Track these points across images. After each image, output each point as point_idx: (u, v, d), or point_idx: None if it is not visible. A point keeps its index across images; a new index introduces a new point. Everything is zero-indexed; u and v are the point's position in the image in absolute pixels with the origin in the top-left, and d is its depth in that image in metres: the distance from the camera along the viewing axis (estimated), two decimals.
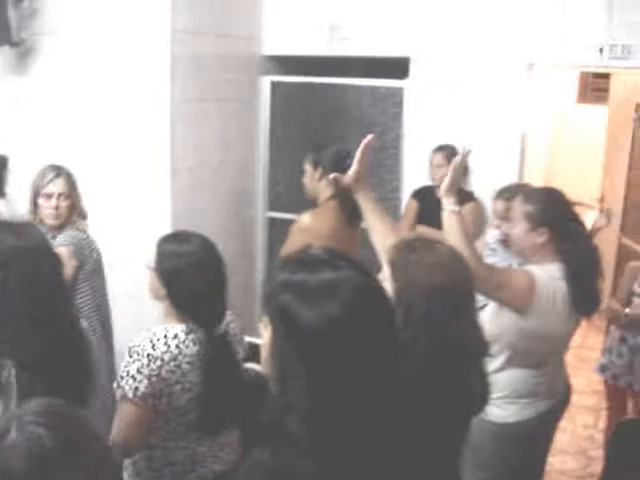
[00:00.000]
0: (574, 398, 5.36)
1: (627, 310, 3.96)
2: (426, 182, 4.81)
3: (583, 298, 2.75)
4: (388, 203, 5.12)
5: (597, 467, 3.80)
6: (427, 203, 4.72)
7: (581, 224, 2.85)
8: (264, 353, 1.48)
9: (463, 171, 4.64)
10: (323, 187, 3.76)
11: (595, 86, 8.16)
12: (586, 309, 2.82)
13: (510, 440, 2.79)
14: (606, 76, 7.24)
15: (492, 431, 2.74)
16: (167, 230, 3.38)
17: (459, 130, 4.91)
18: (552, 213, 2.76)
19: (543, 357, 2.82)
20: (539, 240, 2.75)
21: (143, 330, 2.46)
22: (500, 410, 2.75)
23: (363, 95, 5.23)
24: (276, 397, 1.44)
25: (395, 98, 5.13)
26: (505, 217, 3.41)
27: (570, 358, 6.14)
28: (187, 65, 4.48)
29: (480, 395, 1.97)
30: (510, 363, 2.76)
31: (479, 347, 1.95)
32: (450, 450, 1.96)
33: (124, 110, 4.44)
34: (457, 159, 2.59)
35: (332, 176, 2.69)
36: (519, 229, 2.80)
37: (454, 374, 1.83)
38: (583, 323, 6.56)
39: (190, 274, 2.44)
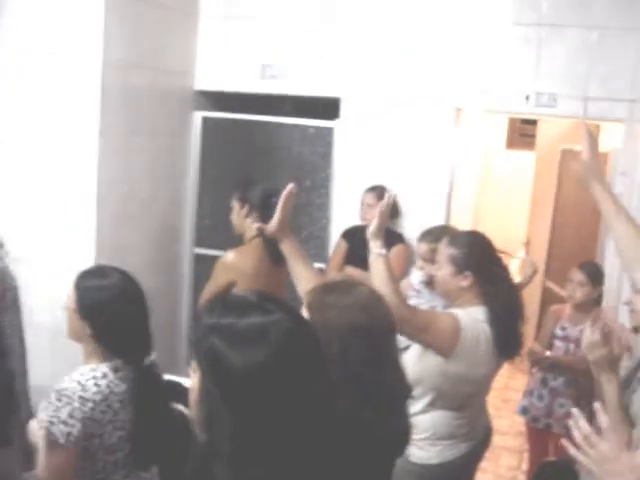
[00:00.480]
0: (498, 439, 5.46)
1: (548, 353, 4.02)
2: (355, 222, 4.84)
3: (506, 341, 2.77)
4: (317, 242, 5.14)
5: None
6: (356, 243, 4.73)
7: (504, 268, 2.88)
8: (192, 397, 1.45)
9: (392, 213, 4.72)
10: (249, 225, 3.73)
11: (523, 132, 8.36)
12: (508, 352, 2.84)
13: None
14: (534, 122, 7.43)
15: (414, 473, 2.73)
16: (90, 265, 3.32)
17: (388, 171, 4.97)
18: (476, 257, 2.79)
19: (465, 399, 2.83)
20: (464, 283, 2.77)
21: (62, 369, 2.39)
22: (422, 452, 2.75)
23: (293, 134, 5.24)
24: (201, 443, 1.40)
25: (325, 138, 5.16)
26: (429, 259, 3.44)
27: (494, 399, 6.28)
28: (118, 97, 4.43)
29: (402, 437, 1.96)
30: (433, 405, 2.77)
31: (401, 388, 1.94)
32: None
33: (51, 140, 4.35)
34: (383, 203, 2.61)
35: (256, 226, 2.69)
36: (444, 272, 2.82)
37: (375, 415, 1.80)
38: (508, 365, 6.68)
39: (113, 307, 2.39)
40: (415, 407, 2.68)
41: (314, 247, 5.13)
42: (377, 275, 2.56)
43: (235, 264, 3.62)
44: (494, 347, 2.74)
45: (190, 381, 1.45)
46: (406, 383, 1.98)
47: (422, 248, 3.62)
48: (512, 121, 8.27)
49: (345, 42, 5.04)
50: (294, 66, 5.15)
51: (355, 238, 4.74)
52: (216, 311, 1.41)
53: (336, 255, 4.86)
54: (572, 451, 1.57)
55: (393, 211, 4.80)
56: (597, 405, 1.60)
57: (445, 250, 2.83)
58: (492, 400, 6.19)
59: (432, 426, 2.77)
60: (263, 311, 1.38)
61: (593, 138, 2.32)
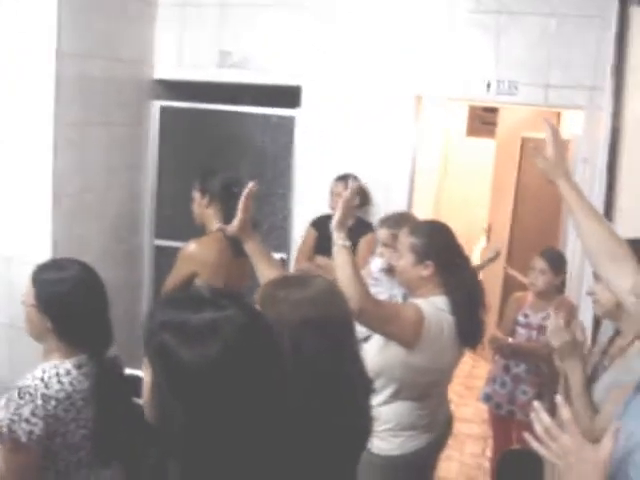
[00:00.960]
0: (462, 427, 5.50)
1: (510, 340, 4.03)
2: (318, 211, 4.82)
3: (468, 330, 2.76)
4: (279, 232, 5.10)
5: None
6: (326, 232, 4.68)
7: (465, 258, 2.87)
8: (145, 394, 1.42)
9: (362, 202, 4.71)
10: (210, 214, 3.68)
11: (484, 119, 8.38)
12: (471, 341, 2.83)
13: (395, 473, 2.78)
14: (495, 110, 7.44)
15: (376, 464, 2.71)
16: (47, 258, 3.25)
17: (350, 160, 4.95)
18: (437, 246, 2.76)
19: (427, 390, 2.81)
20: (424, 273, 2.74)
21: (21, 365, 2.33)
22: (384, 443, 2.73)
23: (254, 123, 5.19)
24: (157, 440, 1.38)
25: (286, 127, 5.12)
26: (388, 244, 3.41)
27: (458, 387, 6.31)
28: (73, 87, 4.34)
29: (363, 430, 1.93)
30: (395, 396, 2.74)
31: (361, 381, 1.91)
32: None
33: (5, 131, 4.26)
34: (346, 193, 2.58)
35: (217, 227, 2.66)
36: (405, 261, 2.79)
37: (332, 409, 1.77)
38: (471, 353, 6.72)
39: (73, 299, 2.34)
40: (377, 399, 2.65)
41: (276, 238, 5.10)
42: (341, 267, 2.54)
43: (197, 255, 3.57)
44: (456, 336, 2.73)
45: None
46: (366, 375, 1.96)
47: (382, 234, 3.58)
48: (473, 109, 8.28)
49: (305, 30, 5.00)
50: (254, 54, 5.10)
51: (324, 227, 4.69)
52: (168, 307, 1.38)
53: (305, 244, 4.83)
54: (534, 444, 1.54)
55: (363, 199, 4.81)
56: (558, 398, 1.58)
57: (406, 239, 2.80)
58: (456, 388, 6.26)
59: (394, 417, 2.75)
60: (216, 307, 1.35)
61: (556, 133, 2.30)
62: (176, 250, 3.77)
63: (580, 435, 1.51)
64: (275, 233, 5.12)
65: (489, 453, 4.87)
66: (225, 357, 1.30)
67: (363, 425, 1.93)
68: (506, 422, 4.23)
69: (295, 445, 1.44)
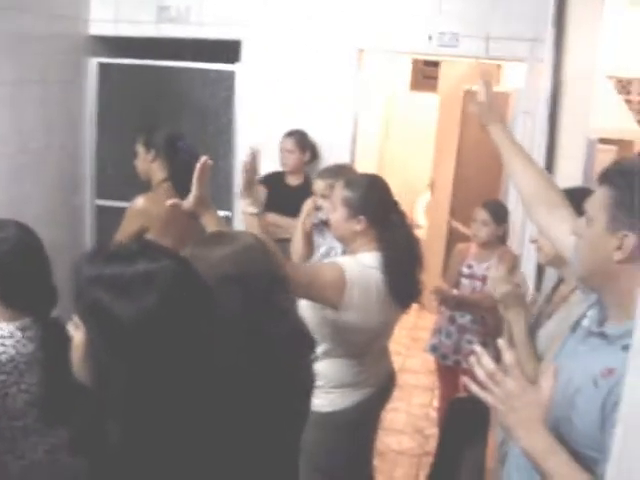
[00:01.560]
0: (409, 378, 5.57)
1: (455, 291, 4.07)
2: (264, 167, 4.74)
3: (400, 288, 2.71)
4: (221, 190, 5.03)
5: (434, 445, 3.89)
6: (277, 189, 4.67)
7: (401, 214, 2.81)
8: (75, 356, 1.39)
9: (312, 157, 4.70)
10: (156, 169, 3.63)
11: (426, 74, 8.37)
12: (403, 299, 2.78)
13: (332, 429, 2.74)
14: (437, 64, 7.44)
15: (314, 420, 2.70)
16: None
17: (292, 115, 4.90)
18: (371, 201, 2.71)
19: (362, 347, 2.78)
20: (357, 227, 2.69)
21: None
22: (319, 400, 2.68)
23: (194, 79, 5.09)
24: (94, 401, 1.37)
25: (226, 82, 5.04)
26: (326, 196, 3.38)
27: (404, 339, 6.38)
28: (5, 44, 4.20)
29: (303, 387, 1.93)
30: (328, 354, 2.70)
31: (296, 337, 1.90)
32: (287, 448, 1.92)
33: None
34: (247, 161, 2.53)
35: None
36: (338, 215, 2.73)
37: (267, 367, 1.75)
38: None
39: (12, 260, 2.27)
40: None
41: (218, 195, 5.03)
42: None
43: (147, 209, 3.53)
44: (388, 294, 2.68)
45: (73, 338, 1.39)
46: (304, 332, 1.94)
47: (319, 185, 3.55)
48: (415, 63, 8.26)
49: None
50: (192, 8, 4.99)
51: (275, 184, 4.69)
52: (97, 262, 1.35)
53: None
54: (474, 389, 1.53)
55: (312, 155, 4.79)
56: (501, 342, 1.58)
57: (340, 192, 2.73)
58: (402, 340, 6.33)
59: (326, 375, 2.69)
60: (149, 258, 1.33)
61: (489, 79, 2.29)
62: (118, 210, 3.72)
63: (523, 379, 1.52)
64: (217, 191, 5.05)
65: (436, 403, 4.93)
66: (162, 308, 1.29)
67: (301, 383, 1.92)
68: (452, 372, 4.28)
69: (232, 402, 1.46)
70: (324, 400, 2.70)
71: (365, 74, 5.16)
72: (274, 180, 4.73)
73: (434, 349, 4.33)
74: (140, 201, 3.58)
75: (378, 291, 2.66)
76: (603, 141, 4.21)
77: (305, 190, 4.31)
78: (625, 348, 1.52)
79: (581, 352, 1.69)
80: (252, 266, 1.82)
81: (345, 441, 2.80)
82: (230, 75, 5.04)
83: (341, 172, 3.34)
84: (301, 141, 4.74)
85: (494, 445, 2.79)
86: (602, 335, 1.63)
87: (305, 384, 1.94)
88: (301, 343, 1.91)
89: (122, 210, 3.69)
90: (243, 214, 2.53)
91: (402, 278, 2.70)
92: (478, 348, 1.56)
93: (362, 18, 4.79)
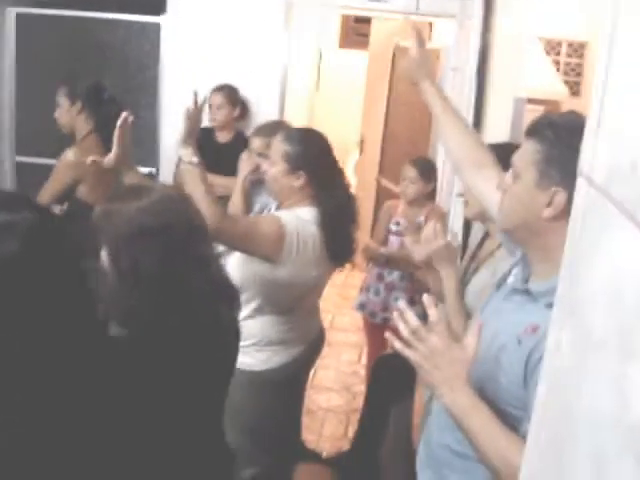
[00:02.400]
0: (338, 335, 5.58)
1: (383, 249, 4.06)
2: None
3: (337, 246, 2.69)
4: (146, 145, 4.90)
5: (361, 401, 3.90)
6: (205, 146, 4.56)
7: (340, 171, 2.78)
8: None
9: (242, 113, 4.61)
10: (82, 121, 3.53)
11: (357, 31, 8.31)
12: (339, 257, 2.76)
13: (263, 387, 2.72)
14: (367, 21, 7.36)
15: (241, 380, 2.66)
16: None
17: (219, 70, 4.80)
18: (312, 156, 2.65)
19: (293, 303, 2.75)
20: (296, 183, 2.63)
21: None
22: (248, 358, 2.64)
23: (117, 31, 4.93)
24: None
25: (151, 34, 4.89)
26: (263, 154, 3.32)
27: (334, 297, 6.38)
28: None
29: (228, 342, 1.88)
30: (260, 311, 2.67)
31: (221, 290, 1.84)
32: (211, 406, 1.89)
33: None
34: (190, 107, 2.46)
35: (90, 159, 2.52)
36: (276, 169, 2.66)
37: (191, 321, 1.70)
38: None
39: None
40: (241, 313, 2.60)
41: (143, 151, 4.90)
42: (191, 186, 2.40)
43: (78, 161, 3.41)
44: (324, 250, 2.66)
45: None
46: (228, 285, 1.89)
47: (255, 143, 3.48)
48: (345, 20, 8.18)
49: None
50: None
51: (204, 140, 4.57)
52: None
53: None
54: (397, 345, 1.50)
55: (243, 111, 4.69)
56: (426, 297, 1.55)
57: (279, 146, 2.66)
58: (332, 298, 6.32)
59: (258, 332, 2.67)
60: (9, 209, 1.36)
61: (420, 35, 2.25)
62: (39, 167, 3.61)
63: (448, 335, 1.50)
64: (141, 146, 4.91)
65: (364, 361, 4.95)
66: (21, 255, 1.31)
67: (224, 337, 1.87)
68: (380, 329, 4.25)
69: (145, 357, 1.49)
70: (254, 359, 2.68)
71: (294, 29, 5.07)
72: (202, 137, 4.59)
73: (362, 307, 4.33)
74: (70, 154, 3.49)
75: (314, 246, 2.62)
76: (531, 101, 4.24)
77: (235, 147, 4.24)
78: (549, 305, 1.47)
79: (505, 309, 1.68)
80: (170, 217, 1.74)
81: (275, 400, 2.78)
82: (155, 27, 4.89)
83: (278, 128, 3.26)
84: (231, 96, 4.64)
85: (421, 401, 2.80)
86: (526, 292, 1.62)
87: (229, 338, 1.89)
88: (223, 294, 1.86)
89: (43, 167, 3.58)
90: (182, 165, 2.46)
91: (338, 235, 2.68)
92: (402, 304, 1.53)
93: None
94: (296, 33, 5.23)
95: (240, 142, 4.35)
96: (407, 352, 1.49)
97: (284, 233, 2.53)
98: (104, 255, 1.72)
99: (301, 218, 2.61)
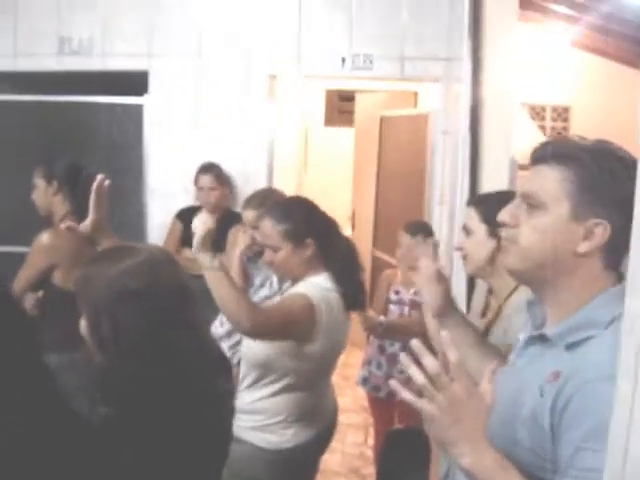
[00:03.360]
0: (342, 417, 5.29)
1: (382, 318, 3.87)
2: (179, 203, 4.62)
3: (352, 295, 2.58)
4: (133, 228, 4.78)
5: None
6: (191, 224, 4.46)
7: (334, 223, 2.67)
8: None
9: (230, 189, 4.51)
10: (59, 202, 3.40)
11: (341, 108, 8.35)
12: (356, 304, 2.65)
13: (286, 467, 2.55)
14: (351, 98, 7.38)
15: (267, 459, 2.49)
16: None
17: (204, 147, 4.71)
18: (310, 220, 2.57)
19: (318, 377, 2.63)
20: (307, 253, 2.53)
21: None
22: (275, 436, 2.50)
23: (99, 114, 4.84)
24: None
25: (134, 115, 4.81)
26: (256, 226, 3.17)
27: (335, 377, 6.08)
28: None
29: (222, 411, 1.70)
30: (286, 388, 2.53)
31: (209, 356, 1.68)
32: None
33: None
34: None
35: (65, 225, 2.45)
36: (284, 252, 2.53)
37: (183, 392, 1.55)
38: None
39: None
40: (265, 390, 2.49)
41: (130, 234, 4.75)
42: (214, 289, 2.25)
43: (54, 245, 3.32)
44: (344, 309, 2.56)
45: None
46: (217, 351, 1.75)
47: (249, 215, 3.35)
48: (330, 97, 8.22)
49: (148, 8, 4.71)
50: (96, 39, 4.77)
51: (190, 219, 4.49)
52: None
53: (171, 237, 4.57)
54: (407, 397, 1.26)
55: (229, 187, 4.66)
56: (444, 334, 1.31)
57: (274, 230, 2.54)
58: (332, 378, 6.10)
59: (285, 408, 2.53)
60: None
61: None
62: (13, 255, 3.46)
63: (469, 381, 1.28)
64: (128, 230, 4.79)
65: (371, 441, 4.73)
66: None
67: (222, 410, 1.72)
68: (386, 405, 4.10)
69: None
70: (280, 436, 2.53)
71: (280, 106, 5.02)
72: (189, 215, 4.52)
73: (365, 381, 4.14)
74: (45, 236, 3.35)
75: (338, 309, 2.52)
76: (521, 167, 4.16)
77: (221, 222, 4.12)
78: (569, 347, 1.37)
79: (520, 365, 1.51)
80: (156, 278, 1.60)
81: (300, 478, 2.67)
82: (138, 108, 4.81)
83: (268, 197, 3.15)
84: (220, 176, 4.55)
85: (437, 478, 2.59)
86: (542, 338, 1.45)
87: (224, 411, 1.72)
88: (217, 365, 1.71)
89: (14, 256, 3.43)
90: (205, 270, 2.28)
91: (352, 284, 2.58)
92: (416, 343, 1.28)
93: (272, 43, 4.66)
94: (281, 111, 5.18)
95: (226, 219, 4.26)
96: (421, 404, 1.26)
97: (314, 309, 2.42)
98: (83, 324, 1.58)
99: (322, 286, 2.51)
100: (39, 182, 3.47)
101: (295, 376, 2.52)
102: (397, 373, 3.96)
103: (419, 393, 1.26)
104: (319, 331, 2.43)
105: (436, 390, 1.25)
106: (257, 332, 2.28)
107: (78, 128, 4.85)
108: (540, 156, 1.46)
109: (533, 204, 1.43)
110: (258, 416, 2.48)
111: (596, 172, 1.36)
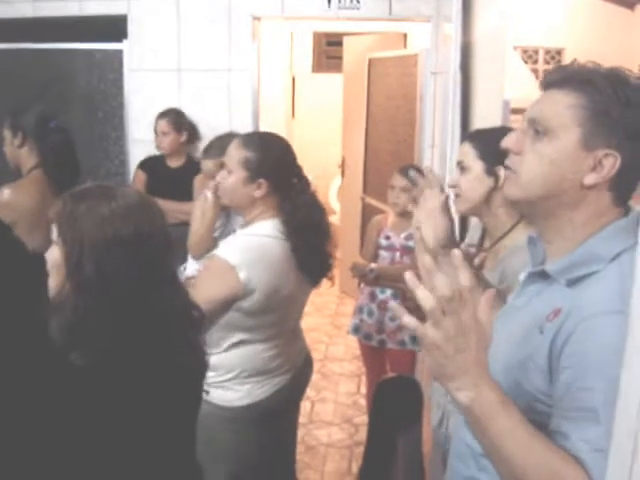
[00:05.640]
0: (334, 366, 5.32)
1: (373, 265, 3.77)
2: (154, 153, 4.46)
3: (308, 260, 2.44)
4: (116, 178, 4.68)
5: (364, 433, 3.63)
6: (156, 174, 4.36)
7: (304, 178, 2.51)
8: None
9: (190, 138, 4.39)
10: (26, 155, 3.22)
11: (329, 54, 8.21)
12: (312, 272, 2.50)
13: (247, 423, 2.44)
14: (340, 43, 7.22)
15: (225, 417, 2.39)
16: None
17: (185, 94, 4.58)
18: (274, 162, 2.41)
19: (273, 328, 2.48)
20: (257, 193, 2.38)
21: None
22: (231, 393, 2.40)
23: (77, 61, 4.69)
24: None
25: (113, 62, 4.66)
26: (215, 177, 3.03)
27: (326, 326, 6.13)
28: None
29: (196, 368, 1.63)
30: (240, 343, 2.41)
31: (186, 310, 1.60)
32: (181, 438, 1.62)
33: None
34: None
35: None
36: (235, 178, 2.40)
37: (156, 340, 1.48)
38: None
39: None
40: (218, 347, 2.37)
41: (112, 180, 4.66)
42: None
43: (13, 202, 3.12)
44: (295, 265, 2.41)
45: None
46: (192, 305, 1.66)
47: (207, 165, 3.20)
48: (317, 43, 8.07)
49: None
50: None
51: (153, 168, 4.39)
52: None
53: (136, 187, 4.42)
54: (408, 320, 1.13)
55: (191, 136, 4.49)
56: (455, 252, 1.17)
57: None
58: (324, 327, 6.12)
59: (238, 364, 2.41)
60: None
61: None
62: None
63: (476, 308, 1.15)
64: (112, 180, 4.67)
65: (364, 390, 4.68)
66: None
67: (194, 363, 1.65)
68: (378, 353, 4.02)
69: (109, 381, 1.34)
70: (236, 393, 2.42)
71: (265, 50, 4.88)
72: (154, 164, 4.46)
73: (356, 330, 4.06)
74: (6, 193, 3.15)
75: (280, 261, 2.37)
76: (513, 111, 4.05)
77: (187, 171, 4.17)
78: (570, 283, 1.29)
79: (520, 304, 1.44)
80: (143, 225, 1.51)
81: (264, 437, 2.50)
82: (117, 54, 4.67)
83: (229, 144, 2.98)
84: (176, 121, 4.42)
85: (429, 427, 2.52)
86: (543, 275, 1.37)
87: (197, 363, 1.65)
88: (190, 316, 1.63)
89: None
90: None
91: (308, 247, 2.41)
92: (428, 260, 1.17)
93: None
94: (267, 55, 5.03)
95: (191, 166, 4.22)
96: (425, 330, 1.13)
97: (230, 267, 2.28)
98: (55, 257, 1.49)
99: (255, 235, 2.39)
100: (6, 133, 3.31)
101: (244, 331, 2.40)
102: (388, 320, 3.88)
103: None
104: (250, 285, 2.29)
105: (442, 315, 1.12)
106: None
107: (56, 76, 4.70)
108: (553, 80, 1.37)
109: (540, 130, 1.34)
110: (212, 372, 2.29)
111: (611, 99, 1.27)
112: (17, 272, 1.19)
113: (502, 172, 2.00)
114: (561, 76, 1.36)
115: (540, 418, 1.23)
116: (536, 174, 1.34)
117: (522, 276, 1.47)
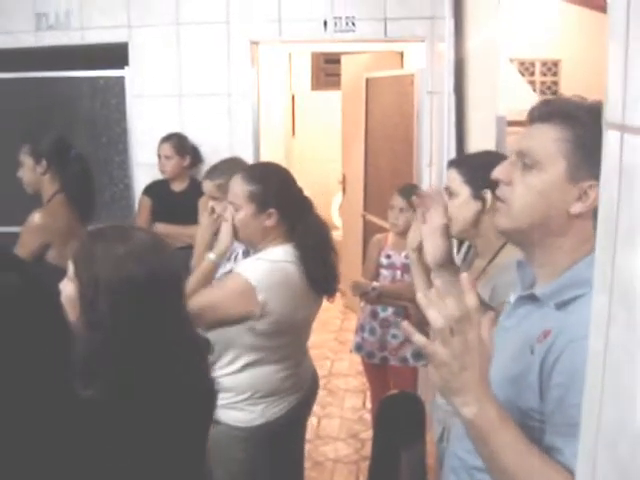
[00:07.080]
0: (339, 382, 5.37)
1: (374, 283, 3.85)
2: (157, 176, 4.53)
3: (320, 277, 2.52)
4: (121, 203, 4.76)
5: (370, 448, 3.69)
6: (161, 198, 4.43)
7: (307, 199, 2.60)
8: None
9: (193, 161, 4.46)
10: (48, 181, 3.40)
11: (328, 71, 8.28)
12: (324, 288, 2.59)
13: (260, 442, 2.50)
14: (337, 61, 7.30)
15: (239, 437, 2.46)
16: None
17: (187, 118, 4.65)
18: (279, 191, 2.49)
19: (285, 349, 2.56)
20: (268, 222, 2.47)
21: None
22: (244, 414, 2.47)
23: (81, 88, 4.79)
24: None
25: (116, 88, 4.75)
26: (215, 197, 3.12)
27: (331, 342, 6.18)
28: None
29: (207, 394, 1.69)
30: (250, 364, 2.48)
31: (195, 343, 1.68)
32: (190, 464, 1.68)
33: None
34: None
35: None
36: (244, 213, 2.48)
37: (168, 373, 1.55)
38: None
39: None
40: (230, 367, 2.44)
41: (118, 209, 4.75)
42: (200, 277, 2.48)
43: (46, 224, 3.32)
44: (308, 286, 2.49)
45: None
46: (200, 337, 1.75)
47: (207, 186, 3.29)
48: (315, 61, 8.13)
49: None
50: (73, 13, 4.69)
51: (159, 194, 4.46)
52: None
53: (142, 213, 4.52)
54: (417, 339, 1.21)
55: (194, 159, 4.58)
56: (464, 276, 1.27)
57: (241, 188, 2.48)
58: (329, 343, 6.16)
59: (251, 385, 2.48)
60: None
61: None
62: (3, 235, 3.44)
63: (480, 327, 1.24)
64: (116, 205, 4.77)
65: (369, 405, 4.73)
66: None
67: (205, 390, 1.73)
68: (380, 370, 4.07)
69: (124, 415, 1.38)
70: (249, 414, 2.48)
71: (263, 71, 4.95)
72: (158, 188, 4.53)
73: (359, 348, 4.11)
74: (37, 216, 3.35)
75: (296, 285, 2.45)
76: (511, 123, 4.10)
77: (190, 193, 4.19)
78: (559, 306, 1.36)
79: (511, 325, 1.50)
80: (157, 267, 1.59)
81: (276, 455, 2.58)
82: (119, 81, 4.75)
83: (230, 168, 3.05)
84: (179, 145, 4.50)
85: (433, 441, 2.59)
86: (532, 298, 1.43)
87: (206, 393, 1.72)
88: (197, 348, 1.71)
89: (6, 236, 3.41)
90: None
91: (319, 266, 2.51)
92: (438, 282, 1.26)
93: (254, 10, 4.58)
94: (266, 77, 5.11)
95: (195, 189, 4.21)
96: (435, 347, 1.21)
97: (251, 286, 2.36)
98: (70, 293, 1.57)
99: (277, 259, 2.45)
100: (27, 160, 3.44)
101: (257, 352, 2.46)
102: (390, 338, 3.94)
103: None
104: (265, 308, 2.37)
105: (451, 334, 1.21)
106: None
107: (60, 104, 4.80)
108: (538, 114, 1.43)
109: (528, 163, 1.41)
110: (226, 394, 2.38)
111: (594, 133, 1.33)
112: (38, 312, 1.27)
113: (489, 195, 2.10)
114: (547, 110, 1.42)
115: (531, 433, 1.29)
116: (526, 204, 1.40)
117: (512, 298, 1.53)
